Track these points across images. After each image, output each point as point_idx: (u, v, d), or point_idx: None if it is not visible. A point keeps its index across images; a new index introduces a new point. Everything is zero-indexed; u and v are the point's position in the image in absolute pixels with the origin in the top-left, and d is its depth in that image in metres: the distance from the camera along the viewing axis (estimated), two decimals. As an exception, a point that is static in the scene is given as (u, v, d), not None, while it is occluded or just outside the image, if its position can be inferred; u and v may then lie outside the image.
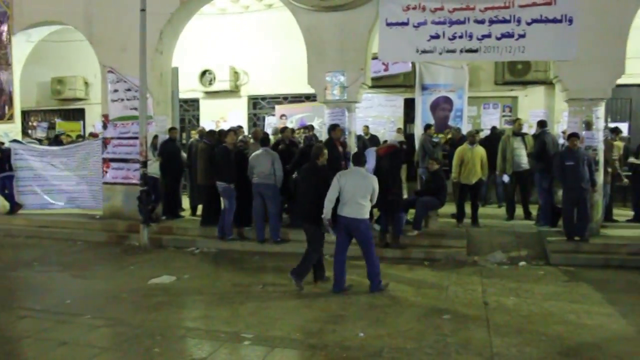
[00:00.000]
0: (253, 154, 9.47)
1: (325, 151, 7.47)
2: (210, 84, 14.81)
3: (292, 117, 14.10)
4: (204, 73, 14.81)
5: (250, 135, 11.49)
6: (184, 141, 14.06)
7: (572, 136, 8.85)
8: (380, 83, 13.24)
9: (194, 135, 12.51)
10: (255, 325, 5.89)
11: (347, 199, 6.88)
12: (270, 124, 14.32)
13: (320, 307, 6.52)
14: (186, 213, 11.53)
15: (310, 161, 7.45)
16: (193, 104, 15.55)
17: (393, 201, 8.62)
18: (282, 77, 14.17)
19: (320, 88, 9.88)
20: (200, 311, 6.53)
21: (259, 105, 15.29)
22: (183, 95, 13.47)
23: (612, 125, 12.00)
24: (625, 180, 10.34)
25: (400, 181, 9.24)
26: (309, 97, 13.42)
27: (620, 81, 9.11)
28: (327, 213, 6.86)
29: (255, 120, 15.23)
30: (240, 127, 11.64)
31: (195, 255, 9.33)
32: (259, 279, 7.74)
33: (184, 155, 11.50)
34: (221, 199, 9.65)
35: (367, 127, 13.06)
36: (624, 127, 12.51)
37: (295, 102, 14.51)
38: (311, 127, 12.36)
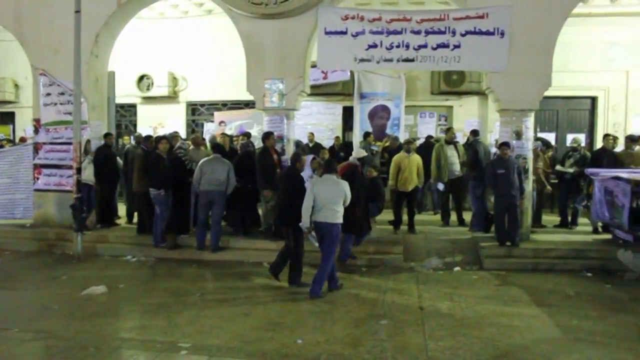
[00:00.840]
0: (203, 160, 9.37)
1: (304, 158, 8.07)
2: (148, 89, 14.57)
3: (231, 124, 14.03)
4: (141, 78, 14.55)
5: (189, 142, 11.34)
6: (119, 147, 13.73)
7: (503, 145, 9.19)
8: (320, 91, 13.35)
9: (127, 141, 12.26)
10: (192, 334, 5.82)
11: (322, 205, 7.15)
12: (209, 130, 14.21)
13: (259, 314, 6.52)
14: (123, 220, 11.27)
15: (289, 167, 7.86)
16: (130, 109, 15.24)
17: (353, 222, 7.97)
18: (222, 84, 14.11)
19: (259, 95, 9.89)
20: (136, 321, 6.38)
21: (197, 111, 15.14)
22: (120, 100, 13.18)
23: (540, 134, 12.56)
24: (548, 187, 10.82)
25: (363, 201, 8.47)
26: (248, 104, 13.40)
27: (547, 93, 9.54)
28: (305, 222, 7.13)
29: (194, 126, 15.07)
30: (176, 133, 11.46)
31: (131, 264, 9.14)
32: (197, 287, 7.65)
33: (120, 161, 11.25)
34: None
35: (312, 134, 13.07)
36: (551, 136, 13.12)
37: (234, 109, 14.45)
38: (249, 135, 12.32)
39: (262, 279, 8.10)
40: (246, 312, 6.57)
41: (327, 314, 6.54)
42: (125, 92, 14.06)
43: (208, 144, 10.91)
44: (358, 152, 8.48)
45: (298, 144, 11.52)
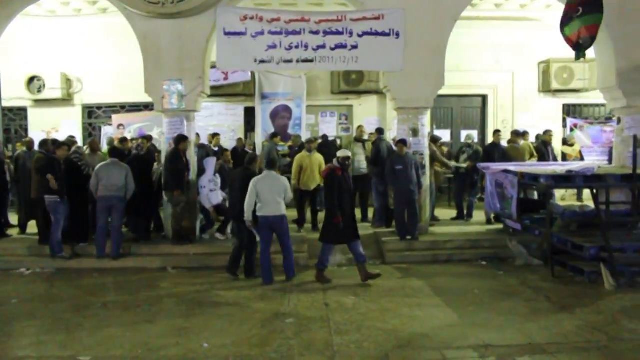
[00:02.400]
0: (100, 165, 9.06)
1: (259, 159, 8.66)
2: (39, 91, 13.78)
3: (130, 126, 13.60)
4: (31, 79, 13.74)
5: (86, 147, 10.91)
6: (9, 153, 12.93)
7: (400, 142, 9.53)
8: (220, 92, 13.24)
9: (20, 147, 11.58)
10: (93, 346, 5.63)
11: (267, 200, 7.73)
12: (107, 134, 13.70)
13: (163, 321, 6.40)
14: (15, 231, 10.63)
15: (245, 167, 8.28)
16: (20, 113, 14.37)
17: (331, 231, 7.86)
18: (119, 85, 13.61)
19: (157, 97, 9.67)
20: (32, 337, 6.02)
21: (94, 114, 14.54)
22: (7, 103, 12.47)
23: (436, 132, 13.11)
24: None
25: (347, 207, 7.87)
26: (147, 106, 13.03)
27: (442, 92, 9.99)
28: (248, 216, 7.72)
29: (91, 130, 14.45)
30: (72, 138, 10.98)
31: (25, 277, 8.65)
32: (98, 297, 7.39)
33: (12, 168, 10.60)
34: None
35: (215, 135, 12.79)
36: (446, 133, 13.72)
37: (133, 112, 14.01)
38: (150, 137, 12.01)
39: (167, 284, 7.97)
40: (150, 320, 6.43)
41: (233, 316, 6.53)
42: (14, 95, 13.25)
43: (106, 148, 10.51)
44: (341, 153, 8.06)
45: (203, 146, 11.37)
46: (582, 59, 9.14)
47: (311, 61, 9.59)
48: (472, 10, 12.82)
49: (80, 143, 12.55)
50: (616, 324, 6.18)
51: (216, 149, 11.85)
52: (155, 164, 10.58)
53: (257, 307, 6.86)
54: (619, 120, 10.33)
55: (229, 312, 6.67)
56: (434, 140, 10.97)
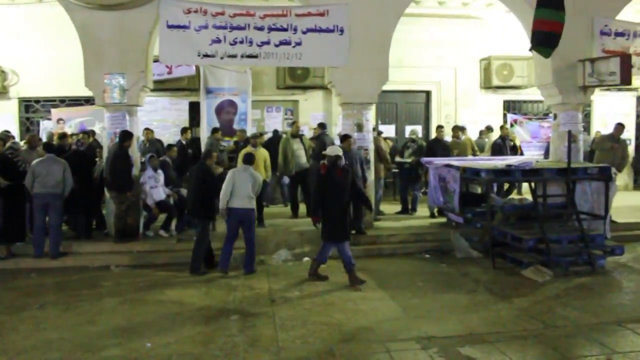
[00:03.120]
0: (35, 161, 8.75)
1: (215, 154, 8.80)
2: (-30, 84, 13.23)
3: (70, 121, 13.20)
4: (-39, 72, 13.18)
5: (23, 142, 10.52)
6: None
7: (345, 137, 9.58)
8: (164, 86, 12.98)
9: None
10: (28, 350, 5.43)
11: (240, 192, 7.99)
12: (46, 128, 13.25)
13: (104, 321, 6.25)
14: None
15: (200, 163, 8.41)
16: (-51, 106, 13.74)
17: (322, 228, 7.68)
18: (59, 78, 13.12)
19: (98, 90, 9.40)
20: (-37, 341, 5.80)
21: (32, 108, 14.02)
22: None
23: (381, 127, 13.26)
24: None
25: (338, 204, 7.57)
26: (88, 100, 12.65)
27: (386, 87, 10.10)
28: (223, 204, 7.96)
29: (29, 124, 13.93)
30: (8, 133, 10.57)
31: (-45, 279, 8.30)
32: (36, 298, 7.12)
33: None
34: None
35: (150, 131, 12.44)
36: (391, 128, 13.89)
37: (73, 106, 13.59)
38: (92, 132, 11.71)
39: (109, 283, 7.79)
40: (91, 320, 6.27)
41: (177, 314, 6.44)
42: (-59, 88, 12.66)
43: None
44: (332, 150, 7.80)
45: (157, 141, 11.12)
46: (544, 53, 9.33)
47: (255, 57, 9.50)
48: (415, 7, 12.99)
49: (17, 138, 12.13)
50: (551, 312, 6.41)
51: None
52: (97, 159, 10.31)
53: (201, 305, 6.80)
54: (555, 116, 10.71)
55: (172, 310, 6.58)
56: (378, 133, 11.06)
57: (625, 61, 9.49)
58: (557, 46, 8.95)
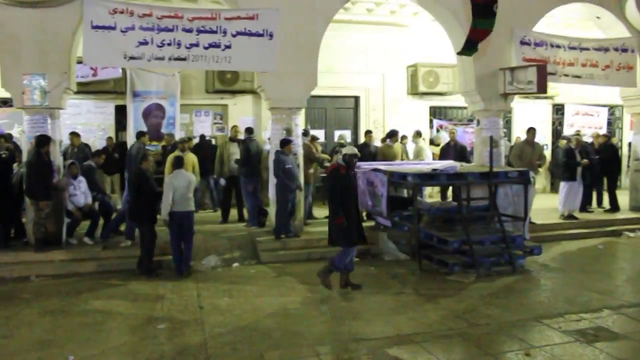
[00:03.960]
0: None
1: (151, 157, 8.83)
2: None
3: (-14, 124, 12.58)
4: None
5: None
6: None
7: (287, 142, 9.54)
8: (89, 88, 12.56)
9: None
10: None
11: (180, 196, 8.14)
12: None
13: (23, 334, 5.98)
14: None
15: (138, 168, 8.44)
16: None
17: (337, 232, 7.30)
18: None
19: (17, 92, 8.97)
20: None
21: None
22: None
23: (312, 132, 13.31)
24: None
25: (352, 207, 7.34)
26: (6, 102, 12.09)
27: (316, 92, 10.18)
28: (165, 214, 8.10)
29: (-61, 127, 13.18)
30: None
31: None
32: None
33: None
34: None
35: (76, 135, 12.03)
36: (320, 133, 13.97)
37: (-11, 108, 12.96)
38: (10, 136, 11.17)
39: (29, 294, 7.45)
40: (7, 335, 5.97)
41: (102, 324, 6.24)
42: None
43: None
44: (348, 150, 7.48)
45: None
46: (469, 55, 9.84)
47: (184, 59, 9.34)
48: (345, 14, 13.17)
49: None
50: (475, 311, 6.64)
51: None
52: (15, 165, 9.86)
53: (128, 313, 6.62)
54: (478, 122, 11.11)
55: (97, 320, 6.37)
56: (305, 133, 11.04)
57: (541, 71, 9.96)
58: (477, 48, 9.38)
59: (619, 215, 12.14)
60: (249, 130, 11.10)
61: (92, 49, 9.07)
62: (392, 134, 11.80)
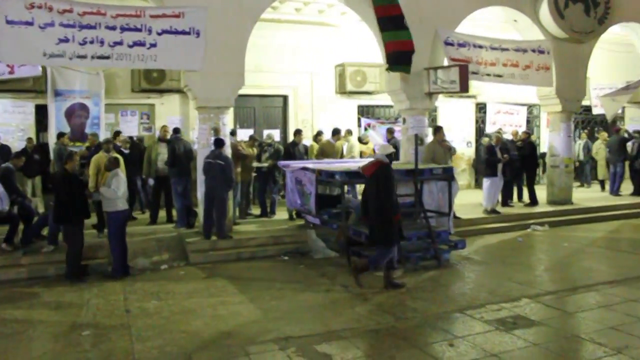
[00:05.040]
0: None
1: (77, 158, 8.63)
2: None
3: None
4: None
5: None
6: None
7: (220, 141, 9.47)
8: (6, 87, 11.99)
9: None
10: None
11: (123, 195, 8.31)
12: None
13: None
14: None
15: (62, 169, 8.40)
16: None
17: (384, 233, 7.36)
18: None
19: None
20: None
21: None
22: None
23: (240, 131, 13.27)
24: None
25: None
26: None
27: (244, 92, 10.14)
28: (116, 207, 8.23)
29: None
30: None
31: None
32: None
33: None
34: None
35: None
36: (249, 132, 13.88)
37: None
38: None
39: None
40: None
41: (22, 334, 6.02)
42: None
43: None
44: (385, 149, 7.53)
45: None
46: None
47: (107, 58, 9.05)
48: (273, 13, 13.17)
49: None
50: (402, 305, 6.82)
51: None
52: None
53: (50, 321, 6.41)
54: (404, 121, 11.38)
55: (17, 330, 6.14)
56: (232, 133, 11.00)
57: (463, 71, 10.32)
58: (411, 62, 9.67)
59: (537, 209, 12.74)
60: (176, 130, 10.95)
61: (8, 46, 8.63)
62: (335, 132, 11.89)
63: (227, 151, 9.85)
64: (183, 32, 9.34)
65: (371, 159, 7.82)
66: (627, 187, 15.13)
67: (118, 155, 9.94)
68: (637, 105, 17.80)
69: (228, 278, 8.09)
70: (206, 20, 9.40)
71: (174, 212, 10.97)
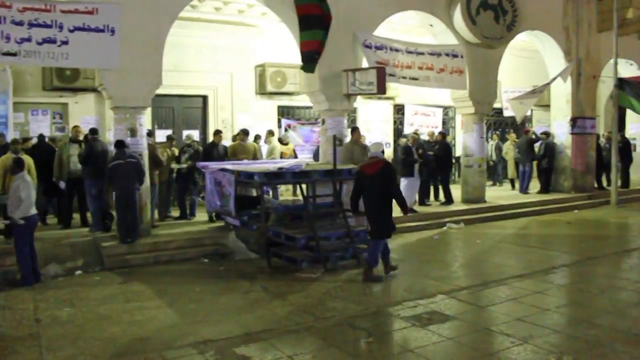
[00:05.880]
0: None
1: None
2: None
3: None
4: None
5: None
6: None
7: (119, 145, 9.24)
8: None
9: None
10: None
11: (31, 199, 7.92)
12: None
13: None
14: None
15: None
16: None
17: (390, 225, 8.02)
18: None
19: None
20: None
21: None
22: None
23: (158, 132, 13.01)
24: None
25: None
26: None
27: (163, 91, 9.93)
28: (20, 216, 7.76)
29: None
30: None
31: None
32: None
33: None
34: None
35: None
36: (168, 133, 13.64)
37: None
38: None
39: None
40: None
41: None
42: None
43: None
44: (379, 147, 8.21)
45: None
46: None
47: (14, 55, 8.63)
48: (192, 12, 12.96)
49: None
50: (322, 304, 6.91)
51: None
52: None
53: (-51, 335, 6.06)
54: (323, 122, 11.51)
55: None
56: (149, 134, 10.76)
57: (381, 73, 10.57)
58: (317, 61, 9.88)
59: (452, 207, 13.21)
60: (93, 131, 10.55)
61: None
62: (245, 133, 11.84)
63: (145, 152, 9.67)
64: (97, 29, 9.06)
65: (372, 159, 8.09)
66: (535, 185, 16.00)
67: (25, 157, 9.55)
68: (543, 108, 18.74)
69: (145, 282, 7.92)
70: (121, 17, 9.15)
71: (89, 215, 10.60)
